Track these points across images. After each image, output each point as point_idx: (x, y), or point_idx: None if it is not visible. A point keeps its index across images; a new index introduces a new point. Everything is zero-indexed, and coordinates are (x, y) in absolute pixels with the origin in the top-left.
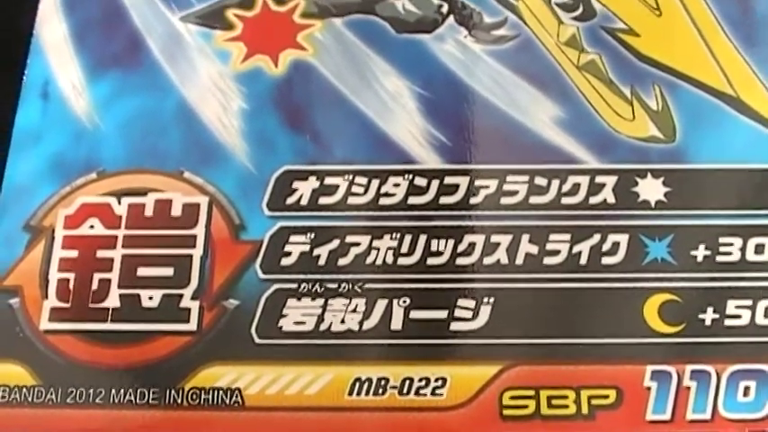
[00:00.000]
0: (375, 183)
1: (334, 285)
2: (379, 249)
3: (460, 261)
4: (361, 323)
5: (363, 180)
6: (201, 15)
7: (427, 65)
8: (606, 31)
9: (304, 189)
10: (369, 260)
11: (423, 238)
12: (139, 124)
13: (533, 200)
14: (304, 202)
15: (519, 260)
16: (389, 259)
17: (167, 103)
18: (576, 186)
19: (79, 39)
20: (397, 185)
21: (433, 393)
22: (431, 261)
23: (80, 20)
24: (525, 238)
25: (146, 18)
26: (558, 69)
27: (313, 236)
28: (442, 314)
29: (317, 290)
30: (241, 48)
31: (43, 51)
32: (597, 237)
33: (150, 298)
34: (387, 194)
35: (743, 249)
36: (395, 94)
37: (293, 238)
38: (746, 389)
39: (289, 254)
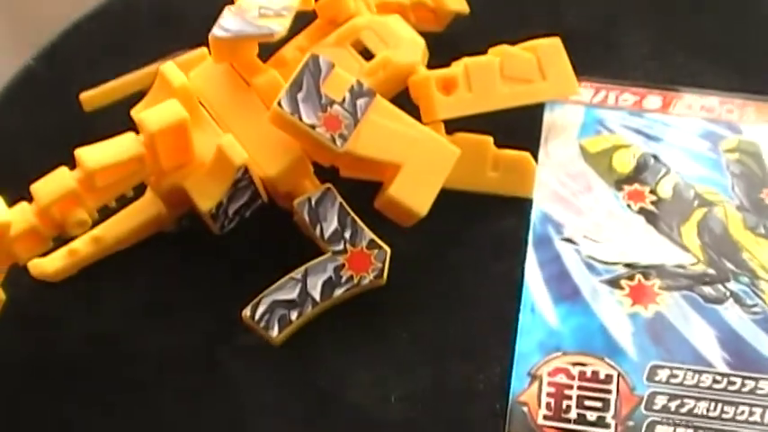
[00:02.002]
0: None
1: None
2: (697, 405)
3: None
4: None
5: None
6: (608, 281)
7: (721, 324)
8: None
9: (662, 375)
10: (695, 411)
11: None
12: (581, 331)
13: None
14: (663, 381)
15: None
16: (701, 411)
17: (593, 322)
18: None
19: (548, 283)
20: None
21: None
22: None
23: (548, 273)
24: None
25: (579, 274)
26: None
27: (666, 399)
28: None
29: (666, 421)
30: (627, 299)
31: (528, 286)
32: None
33: (591, 416)
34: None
35: None
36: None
37: (658, 398)
38: None
39: (656, 404)
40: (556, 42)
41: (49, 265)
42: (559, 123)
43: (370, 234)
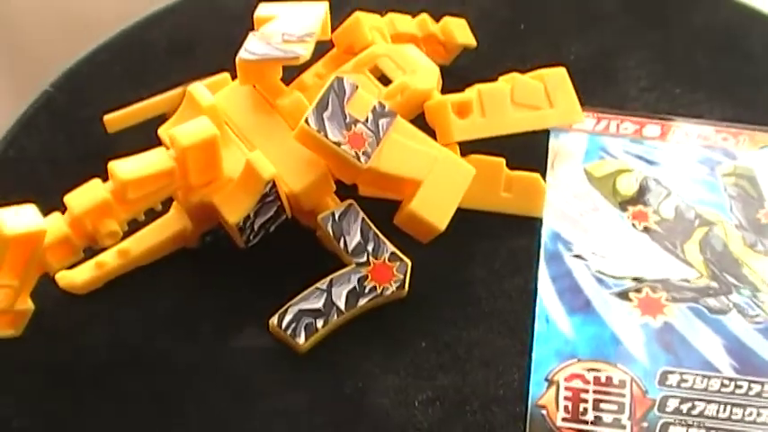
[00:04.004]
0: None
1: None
2: (707, 407)
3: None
4: None
5: (700, 379)
6: (618, 294)
7: (726, 333)
8: None
9: (672, 380)
10: (706, 413)
11: None
12: (595, 340)
13: None
14: (674, 385)
15: None
16: (711, 413)
17: (606, 331)
18: None
19: (561, 296)
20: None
21: None
22: None
23: (560, 287)
24: None
25: (590, 287)
26: None
27: (678, 402)
28: None
29: (679, 422)
30: (637, 310)
31: (542, 299)
32: None
33: (607, 418)
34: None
35: None
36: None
37: (670, 401)
38: None
39: (668, 406)
40: (561, 71)
41: (78, 276)
42: (564, 150)
43: (391, 247)
